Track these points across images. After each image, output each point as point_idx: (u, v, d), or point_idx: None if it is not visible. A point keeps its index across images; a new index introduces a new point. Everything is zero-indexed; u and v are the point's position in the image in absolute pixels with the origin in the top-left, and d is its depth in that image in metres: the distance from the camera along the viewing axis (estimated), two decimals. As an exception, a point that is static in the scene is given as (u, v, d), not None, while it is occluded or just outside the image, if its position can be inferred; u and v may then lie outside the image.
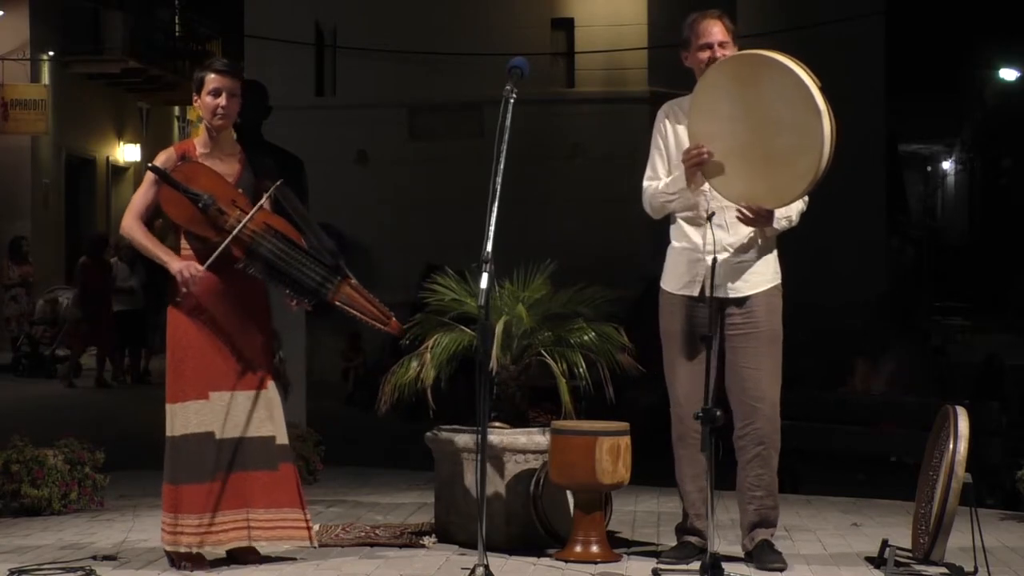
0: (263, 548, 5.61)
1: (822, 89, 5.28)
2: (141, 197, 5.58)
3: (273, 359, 5.71)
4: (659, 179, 5.70)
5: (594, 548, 5.70)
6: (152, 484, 6.62)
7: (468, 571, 5.09)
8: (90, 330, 16.61)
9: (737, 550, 5.74)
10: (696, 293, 5.56)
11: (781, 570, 5.49)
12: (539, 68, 15.99)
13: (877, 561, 5.64)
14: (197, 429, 5.45)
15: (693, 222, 5.61)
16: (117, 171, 26.86)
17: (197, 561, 5.48)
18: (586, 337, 6.06)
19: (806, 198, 5.61)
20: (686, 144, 5.58)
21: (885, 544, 5.62)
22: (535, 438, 5.97)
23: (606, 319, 6.17)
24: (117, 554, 5.79)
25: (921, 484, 5.66)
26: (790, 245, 5.88)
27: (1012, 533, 6.61)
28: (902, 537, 5.80)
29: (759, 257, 5.61)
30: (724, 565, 5.21)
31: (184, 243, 5.55)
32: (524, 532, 5.92)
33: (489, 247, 5.09)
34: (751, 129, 5.41)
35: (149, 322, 16.54)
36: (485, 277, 5.05)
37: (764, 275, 5.62)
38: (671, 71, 19.34)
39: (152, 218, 5.74)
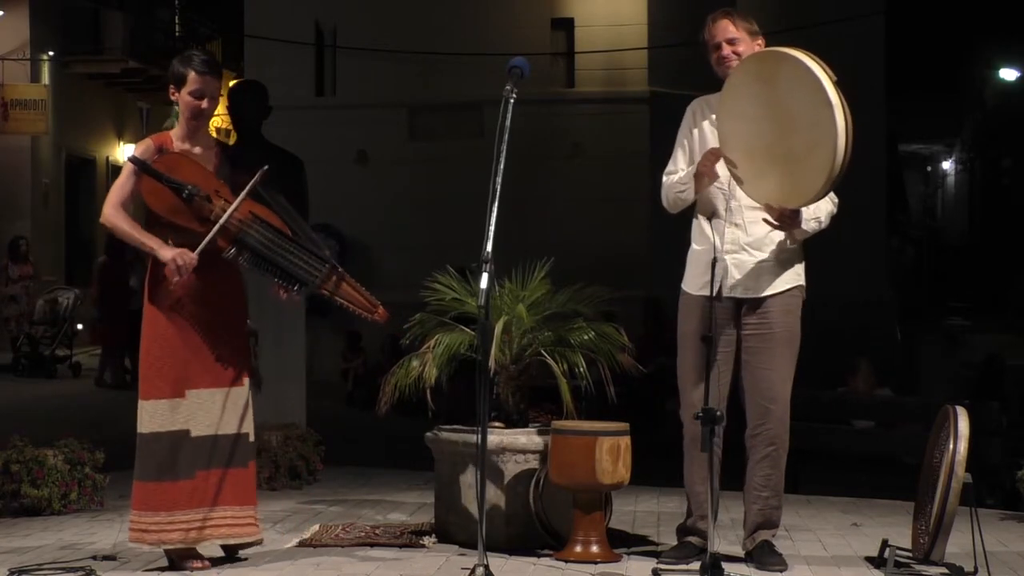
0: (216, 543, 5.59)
1: (837, 83, 5.24)
2: (119, 188, 5.50)
3: (250, 356, 5.68)
4: (678, 173, 5.71)
5: (594, 548, 5.71)
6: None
7: (468, 571, 5.09)
8: (109, 330, 16.63)
9: (737, 550, 5.75)
10: (714, 293, 5.55)
11: (781, 571, 5.49)
12: (539, 68, 15.99)
13: (877, 561, 5.65)
14: (173, 427, 5.43)
15: (716, 223, 5.61)
16: (117, 171, 26.64)
17: (187, 557, 5.48)
18: (586, 337, 6.06)
19: (835, 200, 5.59)
20: (711, 143, 5.58)
21: (885, 544, 5.63)
22: (535, 438, 5.97)
23: (607, 319, 6.18)
24: (117, 554, 5.80)
25: (921, 484, 5.66)
26: (790, 245, 5.87)
27: (1012, 533, 6.61)
28: (902, 537, 5.80)
29: (778, 258, 5.58)
30: (724, 565, 5.21)
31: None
32: (524, 532, 5.92)
33: (489, 247, 5.08)
34: (773, 128, 5.39)
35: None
36: (485, 277, 5.05)
37: (782, 277, 5.59)
38: (671, 71, 19.56)
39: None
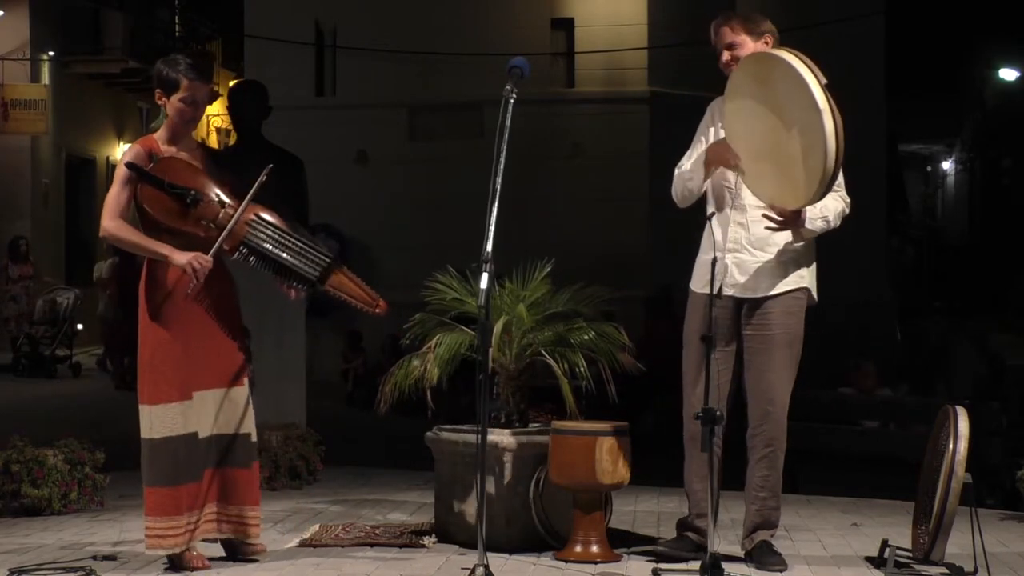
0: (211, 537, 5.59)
1: (827, 86, 5.25)
2: (115, 198, 5.41)
3: (248, 356, 5.68)
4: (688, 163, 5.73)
5: (594, 548, 5.70)
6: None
7: (468, 571, 5.08)
8: (132, 331, 16.46)
9: (737, 550, 5.74)
10: (714, 291, 5.55)
11: (781, 571, 5.49)
12: (539, 68, 15.98)
13: (877, 561, 5.64)
14: (185, 430, 5.41)
15: (720, 220, 5.62)
16: (117, 171, 26.80)
17: (186, 557, 5.48)
18: (586, 337, 6.06)
19: (847, 199, 5.59)
20: None
21: (885, 544, 5.62)
22: (535, 438, 5.97)
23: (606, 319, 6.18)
24: (117, 554, 5.79)
25: (921, 484, 5.66)
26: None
27: (1012, 533, 6.61)
28: (902, 537, 5.80)
29: (780, 259, 5.57)
30: (724, 565, 5.21)
31: None
32: (524, 532, 5.91)
33: (489, 247, 5.08)
34: (775, 129, 5.40)
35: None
36: (485, 277, 5.05)
37: (785, 278, 5.58)
38: (671, 71, 19.55)
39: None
